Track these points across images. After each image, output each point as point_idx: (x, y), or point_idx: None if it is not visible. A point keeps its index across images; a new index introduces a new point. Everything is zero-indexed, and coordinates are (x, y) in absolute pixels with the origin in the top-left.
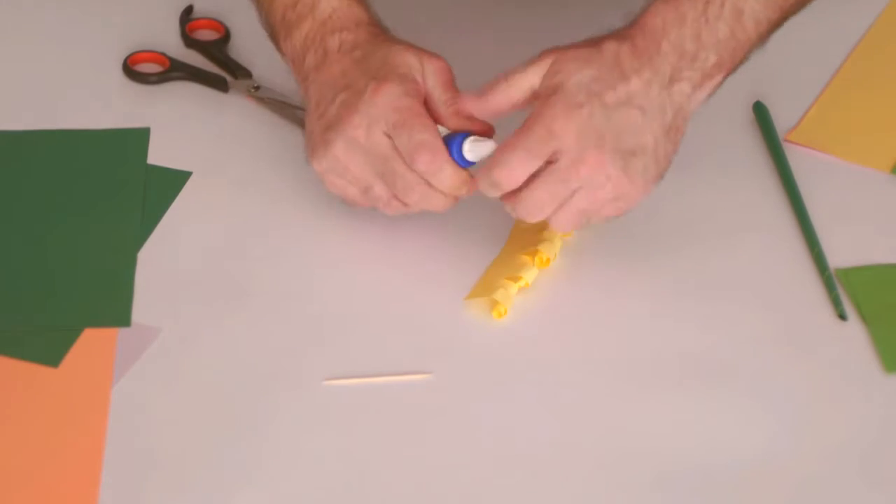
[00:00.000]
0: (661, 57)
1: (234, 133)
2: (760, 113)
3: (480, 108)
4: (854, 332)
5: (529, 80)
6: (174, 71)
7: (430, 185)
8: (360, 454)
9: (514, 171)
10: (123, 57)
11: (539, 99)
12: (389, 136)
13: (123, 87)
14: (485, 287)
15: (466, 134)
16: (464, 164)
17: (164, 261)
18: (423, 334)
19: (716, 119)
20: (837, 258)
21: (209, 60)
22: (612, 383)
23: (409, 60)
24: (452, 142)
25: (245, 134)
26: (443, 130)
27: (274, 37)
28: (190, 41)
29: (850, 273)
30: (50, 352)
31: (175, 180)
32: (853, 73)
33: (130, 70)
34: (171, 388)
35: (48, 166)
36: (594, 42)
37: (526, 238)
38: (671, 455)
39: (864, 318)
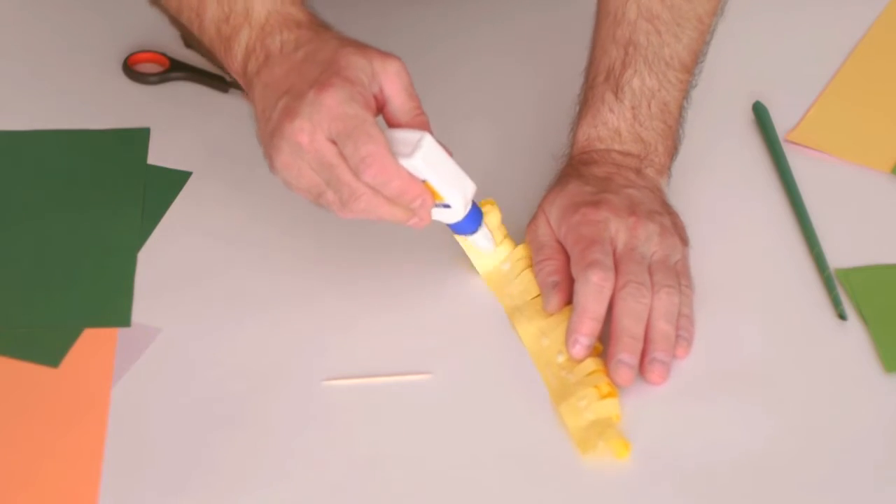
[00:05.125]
0: (621, 162)
1: (234, 133)
2: (760, 113)
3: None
4: (854, 332)
5: (542, 235)
6: (174, 71)
7: (379, 195)
8: (359, 454)
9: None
10: (123, 57)
11: (562, 226)
12: (334, 143)
13: (123, 87)
14: (588, 434)
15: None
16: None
17: (164, 261)
18: (423, 334)
19: (716, 119)
20: (837, 258)
21: (209, 60)
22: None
23: (356, 62)
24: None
25: (245, 134)
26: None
27: (214, 55)
28: (190, 41)
29: (850, 273)
30: (50, 352)
31: (175, 180)
32: (853, 73)
33: (130, 70)
34: (171, 388)
35: (48, 166)
36: (554, 186)
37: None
38: (672, 455)
39: (864, 318)
